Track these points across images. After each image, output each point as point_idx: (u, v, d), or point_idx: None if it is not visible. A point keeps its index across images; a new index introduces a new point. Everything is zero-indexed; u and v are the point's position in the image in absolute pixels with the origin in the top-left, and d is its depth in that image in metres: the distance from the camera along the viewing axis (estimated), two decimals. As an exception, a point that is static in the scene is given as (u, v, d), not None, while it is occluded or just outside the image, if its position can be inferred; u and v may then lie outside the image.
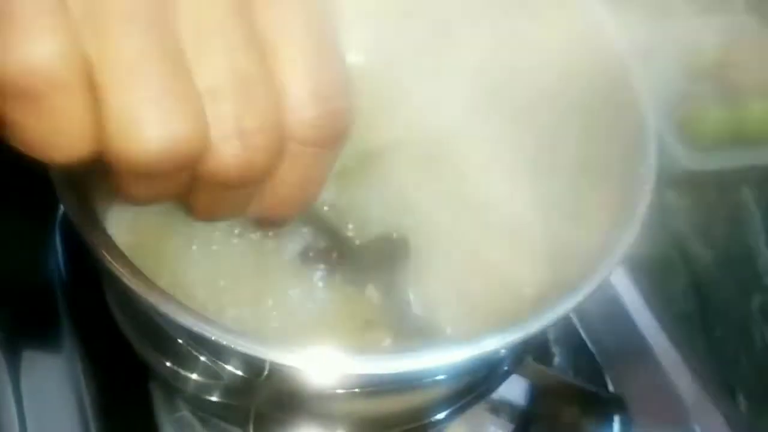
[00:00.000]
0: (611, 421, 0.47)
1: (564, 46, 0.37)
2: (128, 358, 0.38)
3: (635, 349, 0.51)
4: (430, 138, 0.44)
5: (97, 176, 0.32)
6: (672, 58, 0.73)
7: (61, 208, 0.49)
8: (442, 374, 0.31)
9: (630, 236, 0.29)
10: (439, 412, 0.37)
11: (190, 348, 0.31)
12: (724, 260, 0.63)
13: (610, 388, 0.48)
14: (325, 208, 0.40)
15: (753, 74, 0.70)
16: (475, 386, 0.36)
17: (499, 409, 0.46)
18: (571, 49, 0.37)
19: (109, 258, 0.27)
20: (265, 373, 0.29)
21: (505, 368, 0.37)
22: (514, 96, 0.41)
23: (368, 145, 0.43)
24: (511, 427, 0.46)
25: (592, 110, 0.36)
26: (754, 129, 0.68)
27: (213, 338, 0.26)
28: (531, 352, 0.43)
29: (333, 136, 0.24)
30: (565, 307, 0.27)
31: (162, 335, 0.32)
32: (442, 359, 0.27)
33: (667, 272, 0.62)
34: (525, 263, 0.40)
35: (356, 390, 0.31)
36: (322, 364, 0.27)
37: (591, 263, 0.29)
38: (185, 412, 0.43)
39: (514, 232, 0.41)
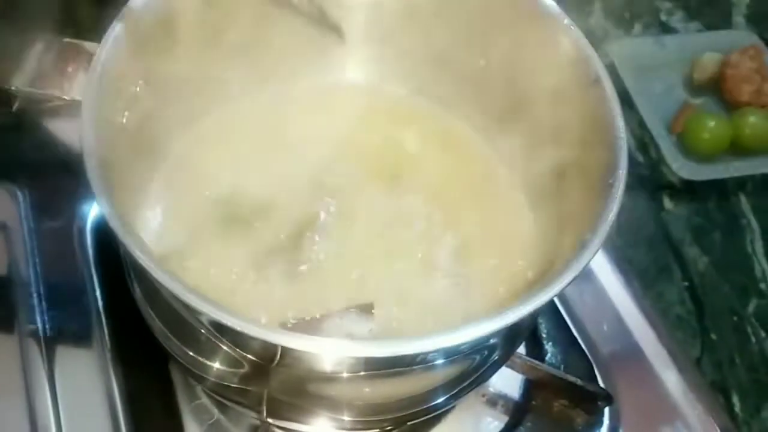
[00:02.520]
0: (601, 414, 0.49)
1: (549, 65, 0.40)
2: (152, 350, 0.41)
3: (625, 347, 0.53)
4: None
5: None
6: (671, 71, 0.75)
7: (94, 211, 0.52)
8: (436, 358, 0.34)
9: (598, 242, 0.32)
10: (438, 398, 0.39)
11: (209, 336, 0.34)
12: (721, 266, 0.65)
13: (600, 383, 0.51)
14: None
15: (749, 86, 0.72)
16: (469, 374, 0.39)
17: (495, 401, 0.49)
18: (553, 68, 0.40)
19: (137, 253, 0.30)
20: (277, 358, 0.32)
21: (496, 357, 0.40)
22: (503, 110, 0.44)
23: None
24: (506, 418, 0.49)
25: (573, 126, 0.40)
26: (750, 139, 0.70)
27: (229, 324, 0.29)
28: (521, 343, 0.46)
29: None
30: (535, 303, 0.30)
31: (184, 326, 0.36)
32: (435, 344, 0.30)
33: (664, 277, 0.64)
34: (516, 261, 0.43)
35: (361, 373, 0.34)
36: (329, 348, 0.30)
37: (568, 262, 0.32)
38: (204, 399, 0.46)
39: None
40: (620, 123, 0.36)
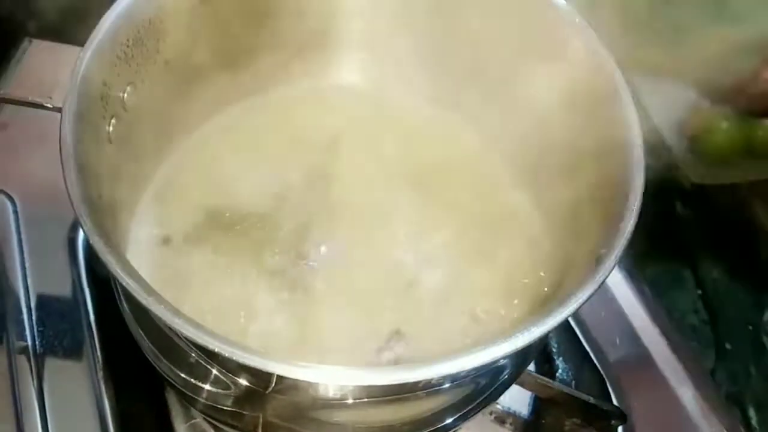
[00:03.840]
0: (614, 432, 0.48)
1: (560, 67, 0.38)
2: (146, 370, 0.40)
3: (638, 362, 0.51)
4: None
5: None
6: (684, 75, 0.73)
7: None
8: (442, 383, 0.32)
9: (614, 259, 0.30)
10: (445, 419, 0.38)
11: (199, 360, 0.33)
12: (735, 273, 0.63)
13: (614, 400, 0.49)
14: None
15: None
16: (477, 394, 0.37)
17: (504, 419, 0.47)
18: (565, 70, 0.38)
19: (119, 273, 0.28)
20: (272, 385, 0.31)
21: (506, 377, 0.38)
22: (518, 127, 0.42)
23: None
24: (515, 437, 0.47)
25: (587, 132, 0.38)
26: (764, 143, 0.68)
27: (225, 354, 0.27)
28: (531, 361, 0.44)
29: None
30: (547, 325, 0.28)
31: (173, 348, 0.34)
32: (440, 371, 0.28)
33: (677, 285, 0.62)
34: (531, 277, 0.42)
35: (361, 400, 0.32)
36: (326, 376, 0.28)
37: (582, 279, 0.30)
38: (199, 420, 0.44)
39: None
40: (637, 129, 0.34)
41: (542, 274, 0.41)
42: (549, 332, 0.29)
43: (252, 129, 0.46)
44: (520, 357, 0.38)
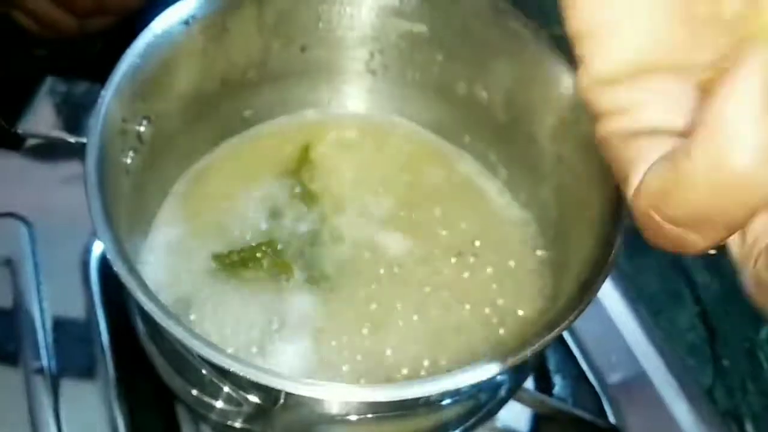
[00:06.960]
0: (611, 449, 0.49)
1: (551, 102, 0.40)
2: (157, 387, 0.41)
3: (634, 380, 0.52)
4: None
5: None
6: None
7: (98, 246, 0.52)
8: (440, 399, 0.33)
9: (600, 281, 0.32)
10: (446, 434, 0.39)
11: (213, 378, 0.34)
12: (732, 290, 0.64)
13: (610, 417, 0.50)
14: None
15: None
16: (476, 410, 0.39)
17: (502, 436, 0.49)
18: (556, 105, 0.40)
19: (141, 298, 0.30)
20: (281, 401, 0.32)
21: (503, 394, 0.39)
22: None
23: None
24: (513, 453, 0.48)
25: (576, 161, 0.40)
26: None
27: (236, 371, 0.29)
28: (527, 378, 0.45)
29: None
30: (535, 346, 0.30)
31: (186, 366, 0.36)
32: (436, 388, 0.30)
33: (674, 302, 0.63)
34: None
35: (366, 416, 0.34)
36: (332, 393, 0.30)
37: (571, 301, 0.32)
38: (209, 436, 0.46)
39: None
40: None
41: (531, 296, 0.43)
42: (538, 352, 0.31)
43: (253, 158, 0.48)
44: (516, 374, 0.39)
